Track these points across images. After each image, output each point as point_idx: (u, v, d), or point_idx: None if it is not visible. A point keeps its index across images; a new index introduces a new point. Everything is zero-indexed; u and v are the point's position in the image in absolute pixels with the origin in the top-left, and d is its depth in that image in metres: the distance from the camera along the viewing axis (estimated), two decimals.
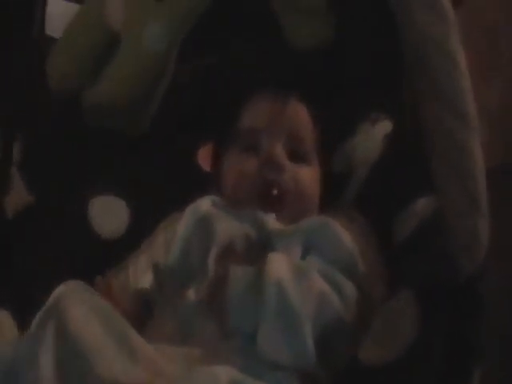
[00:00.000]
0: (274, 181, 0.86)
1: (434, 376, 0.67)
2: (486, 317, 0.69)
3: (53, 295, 0.66)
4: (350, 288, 0.76)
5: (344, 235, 0.82)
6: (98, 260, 0.89)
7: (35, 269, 0.91)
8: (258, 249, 0.82)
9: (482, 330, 0.69)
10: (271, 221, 0.84)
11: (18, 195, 0.92)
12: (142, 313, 0.81)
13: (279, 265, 0.74)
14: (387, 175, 0.89)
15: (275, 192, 0.86)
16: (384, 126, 0.92)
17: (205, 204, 0.87)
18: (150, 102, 0.95)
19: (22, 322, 0.82)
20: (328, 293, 0.74)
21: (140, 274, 0.86)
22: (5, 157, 0.90)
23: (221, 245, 0.81)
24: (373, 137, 0.92)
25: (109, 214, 0.95)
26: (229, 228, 0.83)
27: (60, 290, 0.67)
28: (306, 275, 0.74)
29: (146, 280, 0.84)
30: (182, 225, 0.86)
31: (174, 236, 0.87)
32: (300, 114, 0.92)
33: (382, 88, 0.92)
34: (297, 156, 0.89)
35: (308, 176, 0.89)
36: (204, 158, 0.99)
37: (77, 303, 0.66)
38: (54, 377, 0.62)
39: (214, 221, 0.84)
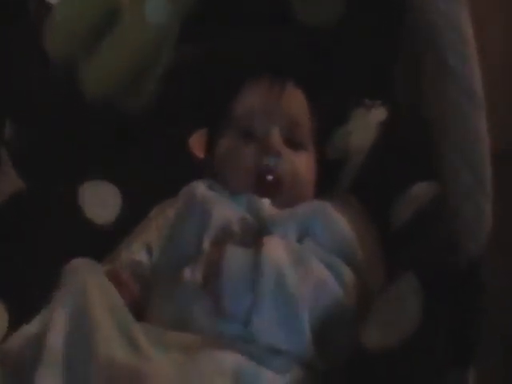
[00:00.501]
0: (270, 167, 0.85)
1: (435, 361, 0.66)
2: (487, 311, 0.68)
3: (70, 269, 0.69)
4: (348, 274, 0.75)
5: (341, 220, 0.81)
6: (90, 245, 0.87)
7: (26, 256, 0.89)
8: (254, 233, 0.81)
9: (482, 317, 0.69)
10: (267, 206, 0.83)
11: (9, 181, 0.89)
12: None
13: (277, 248, 0.74)
14: (383, 161, 0.88)
15: (270, 178, 0.85)
16: (379, 112, 0.92)
17: (200, 187, 0.86)
18: (151, 76, 0.93)
19: (15, 311, 0.81)
20: (327, 279, 0.73)
21: (133, 258, 0.84)
22: None
23: (216, 228, 0.80)
24: (368, 123, 0.92)
25: (101, 200, 0.94)
26: (224, 211, 0.82)
27: (76, 264, 0.69)
28: (304, 260, 0.73)
29: (140, 263, 0.84)
30: (176, 207, 0.86)
31: (167, 220, 0.86)
32: (298, 100, 0.91)
33: (377, 74, 0.92)
34: (293, 142, 0.88)
35: (304, 162, 0.88)
36: (196, 144, 0.98)
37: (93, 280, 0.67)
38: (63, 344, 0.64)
39: (210, 203, 0.83)
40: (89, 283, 0.67)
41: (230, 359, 0.65)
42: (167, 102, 0.98)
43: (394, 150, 0.87)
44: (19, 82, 0.92)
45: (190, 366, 0.65)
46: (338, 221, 0.81)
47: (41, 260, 0.87)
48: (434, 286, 0.67)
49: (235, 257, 0.73)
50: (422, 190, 0.77)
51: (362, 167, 0.91)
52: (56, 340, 0.64)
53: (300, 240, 0.80)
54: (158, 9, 0.88)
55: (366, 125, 0.93)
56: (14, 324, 0.77)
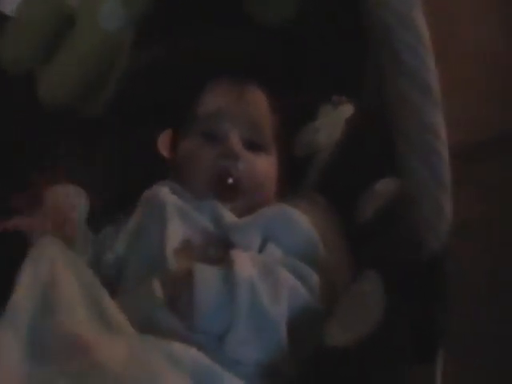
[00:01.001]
0: (228, 169, 0.85)
1: (400, 355, 0.66)
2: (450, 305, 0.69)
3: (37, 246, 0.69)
4: (314, 277, 0.75)
5: (302, 222, 0.81)
6: None
7: None
8: (216, 241, 0.80)
9: (446, 308, 0.69)
10: (227, 213, 0.83)
11: None
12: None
13: (245, 263, 0.72)
14: (348, 158, 0.88)
15: (230, 181, 0.85)
16: (346, 109, 0.92)
17: (162, 192, 0.85)
18: (105, 82, 0.92)
19: None
20: (296, 286, 0.73)
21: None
22: None
23: (177, 236, 0.79)
24: (335, 120, 0.92)
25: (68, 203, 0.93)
26: (185, 221, 0.81)
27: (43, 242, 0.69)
28: (273, 272, 0.73)
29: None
30: (135, 215, 0.85)
31: (129, 226, 0.85)
32: (258, 102, 0.91)
33: (343, 70, 0.92)
34: (254, 145, 0.88)
35: (264, 165, 0.88)
36: (163, 144, 0.98)
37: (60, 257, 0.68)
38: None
39: (170, 211, 0.82)
40: (57, 258, 0.68)
41: (192, 354, 0.65)
42: (135, 101, 0.98)
43: (358, 146, 0.87)
44: None
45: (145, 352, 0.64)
46: (300, 223, 0.81)
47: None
48: (396, 283, 0.67)
49: (206, 277, 0.71)
50: (383, 187, 0.78)
51: (328, 164, 0.91)
52: (21, 304, 0.64)
53: (263, 245, 0.79)
54: (111, 14, 0.88)
55: (333, 122, 0.93)
56: None
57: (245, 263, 0.72)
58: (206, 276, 0.71)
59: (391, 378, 0.67)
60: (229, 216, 0.82)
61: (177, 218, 0.81)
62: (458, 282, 0.71)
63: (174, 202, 0.83)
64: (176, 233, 0.80)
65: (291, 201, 0.86)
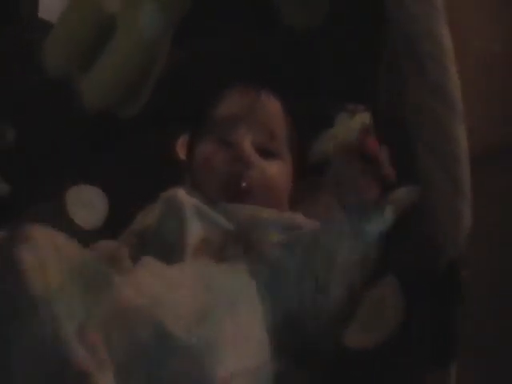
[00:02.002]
0: (241, 174, 0.86)
1: (417, 359, 0.68)
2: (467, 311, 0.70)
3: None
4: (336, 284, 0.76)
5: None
6: None
7: None
8: (234, 240, 0.81)
9: (462, 315, 0.71)
10: (243, 209, 0.84)
11: None
12: None
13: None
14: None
15: (244, 184, 0.86)
16: (362, 117, 0.94)
17: (180, 193, 0.86)
18: (142, 87, 0.93)
19: None
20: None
21: None
22: None
23: (195, 239, 0.80)
24: (351, 127, 0.94)
25: (88, 205, 0.94)
26: (203, 220, 0.82)
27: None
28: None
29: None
30: (154, 214, 0.86)
31: (147, 226, 0.86)
32: (273, 108, 0.92)
33: (360, 78, 0.93)
34: (267, 151, 0.89)
35: (277, 171, 0.89)
36: (181, 147, 0.99)
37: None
38: None
39: (189, 210, 0.83)
40: None
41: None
42: (155, 105, 0.99)
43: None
44: (11, 88, 0.92)
45: None
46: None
47: None
48: (415, 288, 0.69)
49: None
50: (403, 193, 0.79)
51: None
52: None
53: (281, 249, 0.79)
54: (152, 21, 0.89)
55: (349, 129, 0.94)
56: None
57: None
58: None
59: (407, 382, 0.68)
60: (245, 211, 0.84)
61: (195, 217, 0.83)
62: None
63: (191, 202, 0.84)
64: (194, 232, 0.81)
65: (306, 205, 0.87)
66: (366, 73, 0.91)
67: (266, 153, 0.89)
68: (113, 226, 0.92)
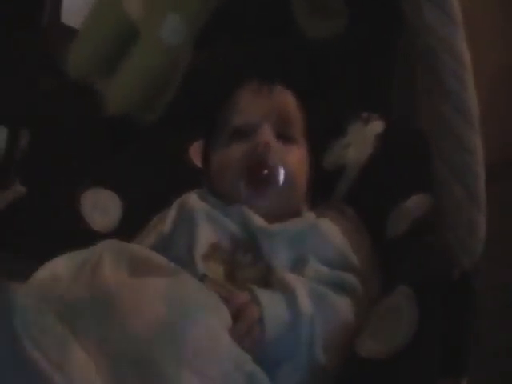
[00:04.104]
0: (261, 160, 0.85)
1: (429, 371, 0.67)
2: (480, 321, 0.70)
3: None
4: (358, 286, 0.77)
5: (332, 233, 0.82)
6: None
7: (25, 264, 0.89)
8: (244, 246, 0.82)
9: (474, 325, 0.71)
10: (256, 217, 0.83)
11: (12, 188, 0.91)
12: None
13: (304, 294, 0.73)
14: (379, 174, 0.90)
15: (265, 172, 0.85)
16: (376, 126, 0.94)
17: (191, 199, 0.87)
18: (167, 92, 0.94)
19: None
20: (346, 315, 0.75)
21: None
22: (8, 153, 0.89)
23: (205, 242, 0.81)
24: (365, 136, 0.94)
25: (101, 208, 0.95)
26: (213, 226, 0.83)
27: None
28: (327, 301, 0.74)
29: None
30: (167, 220, 0.86)
31: (162, 230, 0.86)
32: (287, 97, 0.93)
33: (373, 87, 0.94)
34: (285, 137, 0.89)
35: (296, 156, 0.89)
36: (195, 153, 1.00)
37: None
38: None
39: (199, 217, 0.83)
40: None
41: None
42: (169, 111, 1.00)
43: (389, 162, 0.89)
44: (30, 92, 0.93)
45: None
46: (330, 234, 0.82)
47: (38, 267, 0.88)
48: (428, 298, 0.69)
49: (275, 314, 0.72)
50: (416, 202, 0.79)
51: (359, 179, 0.92)
52: None
53: (297, 260, 0.80)
54: (174, 31, 0.90)
55: (363, 138, 0.94)
56: None
57: (303, 294, 0.73)
58: (275, 312, 0.72)
59: None
60: (258, 220, 0.83)
61: (205, 222, 0.83)
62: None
63: (202, 208, 0.85)
64: (205, 237, 0.81)
65: (320, 210, 0.88)
66: (380, 83, 0.92)
67: (284, 138, 0.89)
68: (127, 229, 0.92)
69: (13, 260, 0.88)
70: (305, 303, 0.72)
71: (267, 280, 0.78)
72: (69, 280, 0.73)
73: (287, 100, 0.93)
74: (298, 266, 0.80)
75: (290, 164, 0.87)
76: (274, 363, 0.71)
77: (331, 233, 0.83)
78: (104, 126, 0.95)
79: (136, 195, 0.96)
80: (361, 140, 0.94)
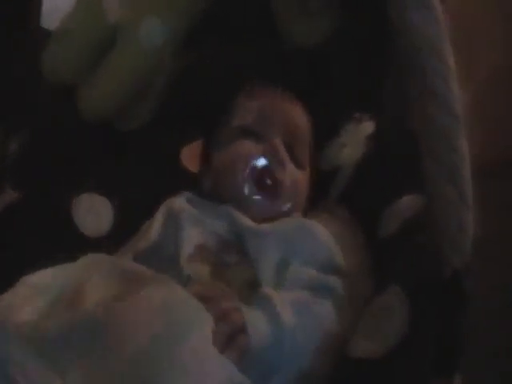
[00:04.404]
0: (270, 170, 0.85)
1: (420, 371, 0.68)
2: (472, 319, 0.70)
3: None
4: (340, 290, 0.77)
5: (321, 233, 0.82)
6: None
7: (15, 268, 0.89)
8: (230, 247, 0.82)
9: (465, 324, 0.71)
10: (244, 218, 0.83)
11: (5, 194, 0.91)
12: None
13: (284, 306, 0.72)
14: (371, 174, 0.90)
15: (269, 182, 0.85)
16: (368, 126, 0.94)
17: (178, 201, 0.87)
18: (143, 99, 0.95)
19: None
20: (330, 321, 0.74)
21: None
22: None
23: (191, 245, 0.81)
24: (358, 136, 0.94)
25: (93, 213, 0.95)
26: (199, 227, 0.83)
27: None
28: (308, 310, 0.74)
29: None
30: (154, 225, 0.86)
31: (150, 234, 0.86)
32: (299, 114, 0.92)
33: (366, 88, 0.94)
34: (293, 158, 0.88)
35: (303, 180, 0.89)
36: (189, 156, 0.99)
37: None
38: None
39: (185, 220, 0.83)
40: None
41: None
42: (159, 115, 1.00)
43: (382, 162, 0.89)
44: (19, 96, 0.94)
45: None
46: (319, 234, 0.82)
47: (29, 272, 0.87)
48: (420, 298, 0.69)
49: (260, 331, 0.70)
50: (408, 203, 0.80)
51: (352, 179, 0.93)
52: None
53: (283, 261, 0.80)
54: (152, 32, 0.90)
55: (356, 138, 0.95)
56: None
57: (284, 306, 0.72)
58: (257, 324, 0.71)
59: None
60: (246, 220, 0.83)
61: (191, 224, 0.83)
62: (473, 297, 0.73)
63: (188, 210, 0.85)
64: (190, 239, 0.81)
65: (314, 212, 0.88)
66: (372, 84, 0.92)
67: (293, 159, 0.88)
68: (119, 234, 0.92)
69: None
70: (286, 315, 0.71)
71: (253, 281, 0.78)
72: (49, 303, 0.70)
73: (300, 115, 0.92)
74: (280, 267, 0.79)
75: (298, 185, 0.87)
76: (262, 377, 0.70)
77: (319, 233, 0.82)
78: (91, 132, 0.95)
79: (127, 200, 0.96)
80: (354, 140, 0.95)
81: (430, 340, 0.68)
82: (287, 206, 0.86)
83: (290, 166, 0.87)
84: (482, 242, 0.73)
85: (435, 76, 0.65)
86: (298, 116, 0.92)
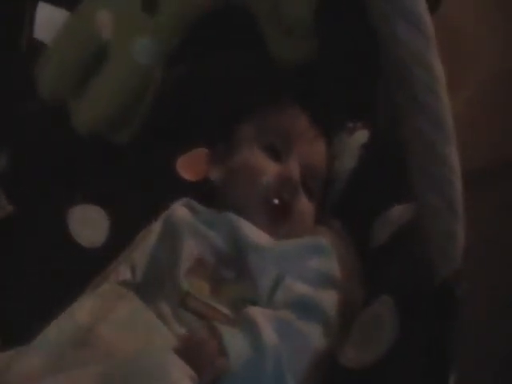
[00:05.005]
0: (281, 195, 0.85)
1: (411, 379, 0.68)
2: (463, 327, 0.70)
3: None
4: (330, 310, 0.77)
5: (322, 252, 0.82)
6: (78, 269, 0.89)
7: (13, 279, 0.90)
8: (228, 261, 0.82)
9: (457, 333, 0.71)
10: (247, 227, 0.83)
11: None
12: None
13: (266, 326, 0.72)
14: (363, 184, 0.91)
15: (276, 202, 0.85)
16: (361, 136, 0.95)
17: (178, 211, 0.87)
18: (134, 114, 0.95)
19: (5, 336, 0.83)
20: (317, 339, 0.74)
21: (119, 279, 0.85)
22: None
23: (189, 259, 0.81)
24: (350, 147, 0.95)
25: (88, 224, 0.95)
26: (198, 239, 0.83)
27: None
28: (293, 330, 0.73)
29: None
30: (152, 234, 0.87)
31: (148, 244, 0.86)
32: (322, 148, 0.92)
33: (358, 98, 0.94)
34: (305, 189, 0.88)
35: (310, 213, 0.88)
36: (184, 166, 0.99)
37: None
38: None
39: (183, 231, 0.83)
40: None
41: None
42: (151, 125, 1.00)
43: (373, 172, 0.89)
44: (7, 108, 0.94)
45: None
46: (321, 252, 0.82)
47: (27, 283, 0.89)
48: (410, 307, 0.70)
49: (239, 355, 0.70)
50: (398, 212, 0.80)
51: (343, 190, 0.93)
52: None
53: (279, 276, 0.79)
54: (144, 50, 0.90)
55: (348, 148, 0.95)
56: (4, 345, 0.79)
57: (266, 326, 0.72)
58: (237, 344, 0.71)
59: None
60: (248, 232, 0.82)
61: (190, 237, 0.83)
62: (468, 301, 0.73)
63: (187, 221, 0.85)
64: (189, 252, 0.81)
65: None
66: (365, 95, 0.92)
67: (305, 189, 0.88)
68: (115, 244, 0.92)
69: None
70: (268, 335, 0.71)
71: (249, 298, 0.78)
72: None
73: (323, 149, 0.91)
74: (275, 283, 0.79)
75: (306, 215, 0.87)
76: None
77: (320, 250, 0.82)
78: (86, 143, 0.95)
79: (122, 210, 0.96)
80: (347, 151, 0.95)
81: (420, 349, 0.68)
82: (287, 231, 0.85)
83: (302, 195, 0.87)
84: (482, 242, 0.73)
85: (422, 88, 0.65)
86: (321, 149, 0.92)
